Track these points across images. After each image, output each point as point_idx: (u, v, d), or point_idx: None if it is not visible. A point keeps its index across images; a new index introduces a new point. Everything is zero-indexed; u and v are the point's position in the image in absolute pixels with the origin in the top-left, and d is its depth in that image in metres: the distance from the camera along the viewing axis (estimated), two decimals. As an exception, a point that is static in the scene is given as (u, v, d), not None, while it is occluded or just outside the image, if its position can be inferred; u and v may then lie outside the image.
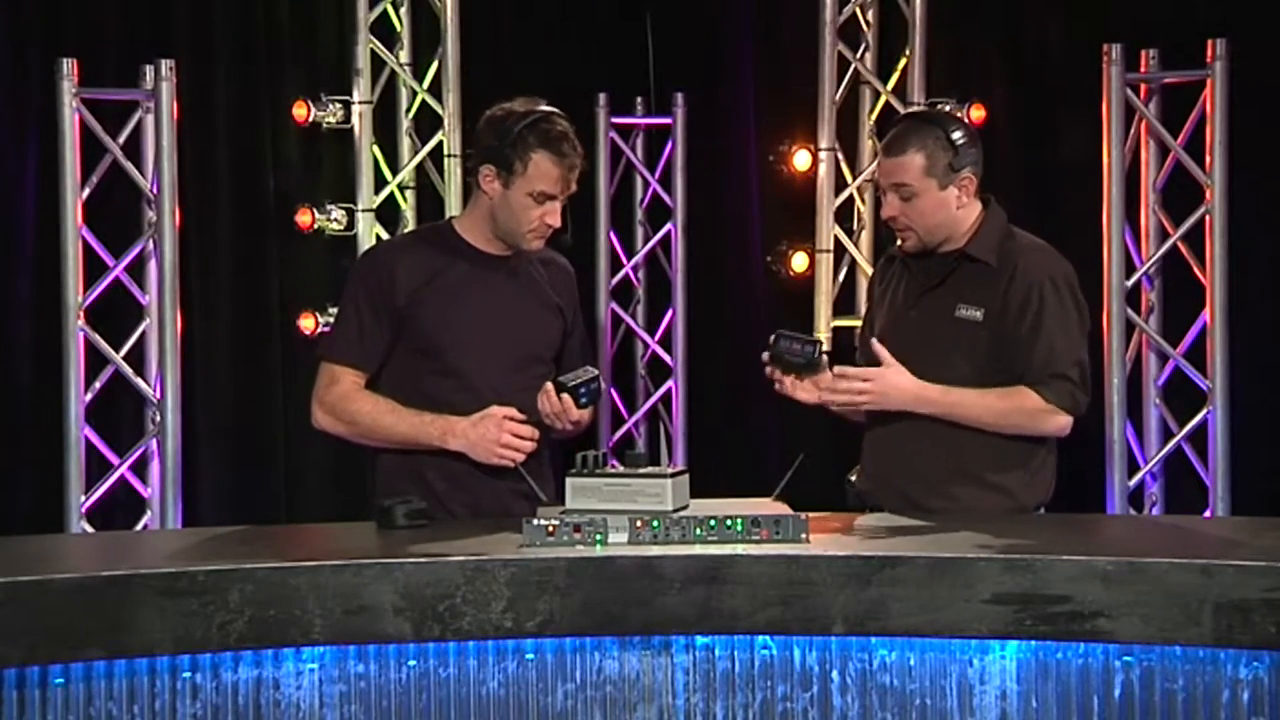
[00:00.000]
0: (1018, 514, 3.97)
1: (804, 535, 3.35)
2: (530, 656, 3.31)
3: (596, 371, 3.97)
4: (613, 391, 6.33)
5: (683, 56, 6.35)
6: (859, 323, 5.88)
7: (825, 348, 3.89)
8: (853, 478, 4.11)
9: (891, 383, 3.87)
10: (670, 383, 6.31)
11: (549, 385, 3.92)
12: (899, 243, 4.06)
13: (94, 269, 5.29)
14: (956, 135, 3.96)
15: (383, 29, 5.75)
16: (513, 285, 4.07)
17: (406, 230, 4.37)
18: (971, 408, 3.89)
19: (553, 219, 3.98)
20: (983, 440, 3.92)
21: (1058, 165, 5.87)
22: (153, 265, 5.36)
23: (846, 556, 3.24)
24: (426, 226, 4.14)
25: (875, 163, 4.01)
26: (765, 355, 3.93)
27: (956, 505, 3.92)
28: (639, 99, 6.32)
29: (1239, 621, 3.09)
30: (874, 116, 5.95)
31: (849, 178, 5.90)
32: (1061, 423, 3.92)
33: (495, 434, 3.90)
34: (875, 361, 4.01)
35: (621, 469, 3.57)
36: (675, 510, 3.46)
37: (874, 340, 3.89)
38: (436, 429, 3.95)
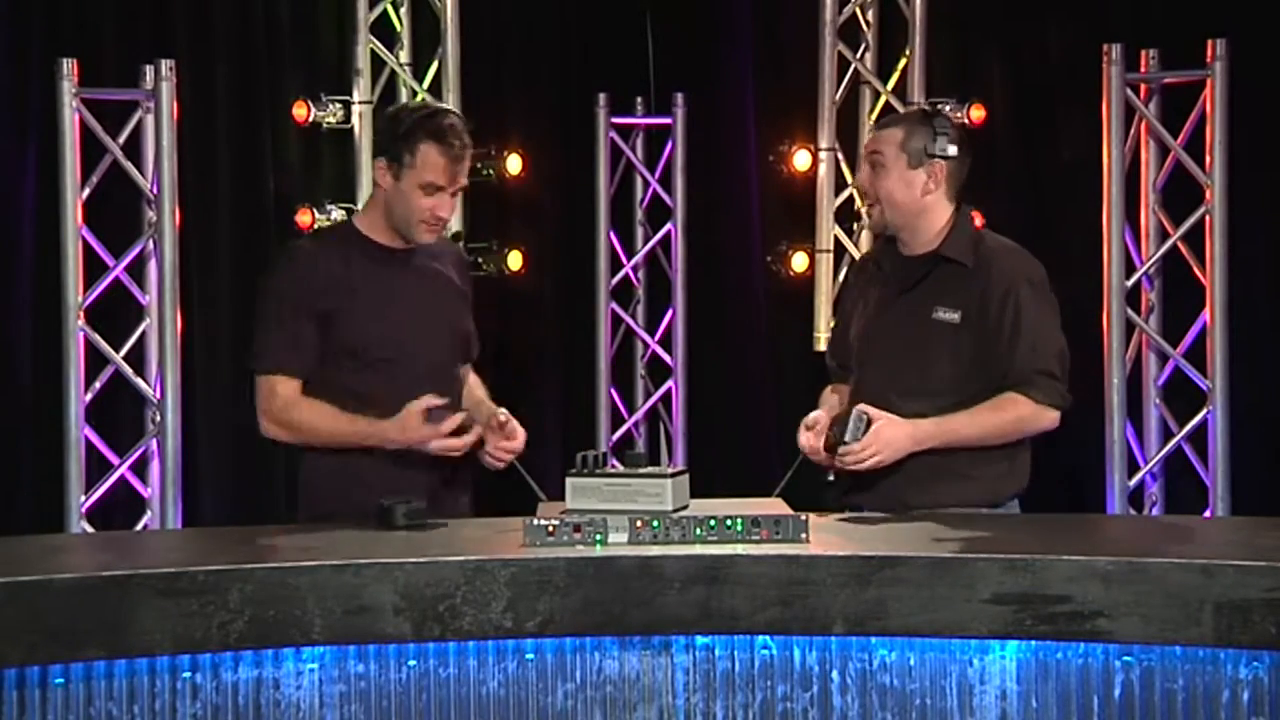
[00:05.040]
0: (995, 505, 3.97)
1: (804, 535, 3.35)
2: (530, 656, 3.31)
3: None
4: (612, 391, 6.33)
5: (683, 56, 6.35)
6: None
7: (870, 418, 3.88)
8: (831, 477, 4.12)
9: (886, 439, 3.84)
10: (670, 383, 6.32)
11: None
12: (866, 218, 4.11)
13: (94, 269, 5.30)
14: (941, 126, 3.99)
15: (383, 29, 5.75)
16: (420, 278, 4.10)
17: (305, 239, 4.41)
18: (967, 429, 3.89)
19: (443, 210, 4.00)
20: None
21: (1058, 165, 5.88)
22: (153, 265, 5.36)
23: (846, 556, 3.23)
24: (329, 227, 4.17)
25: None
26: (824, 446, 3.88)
27: (939, 500, 3.91)
28: (639, 99, 6.33)
29: (1239, 621, 3.09)
30: (874, 116, 5.96)
31: (849, 178, 5.91)
32: (1053, 418, 3.93)
33: (422, 436, 3.88)
34: (848, 362, 4.08)
35: (621, 469, 3.57)
36: (675, 510, 3.47)
37: (861, 407, 3.85)
38: (372, 437, 3.95)
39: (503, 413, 4.01)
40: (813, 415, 3.94)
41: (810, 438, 3.89)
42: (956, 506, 3.90)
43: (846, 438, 3.80)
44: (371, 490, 3.91)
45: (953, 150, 3.98)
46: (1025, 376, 3.88)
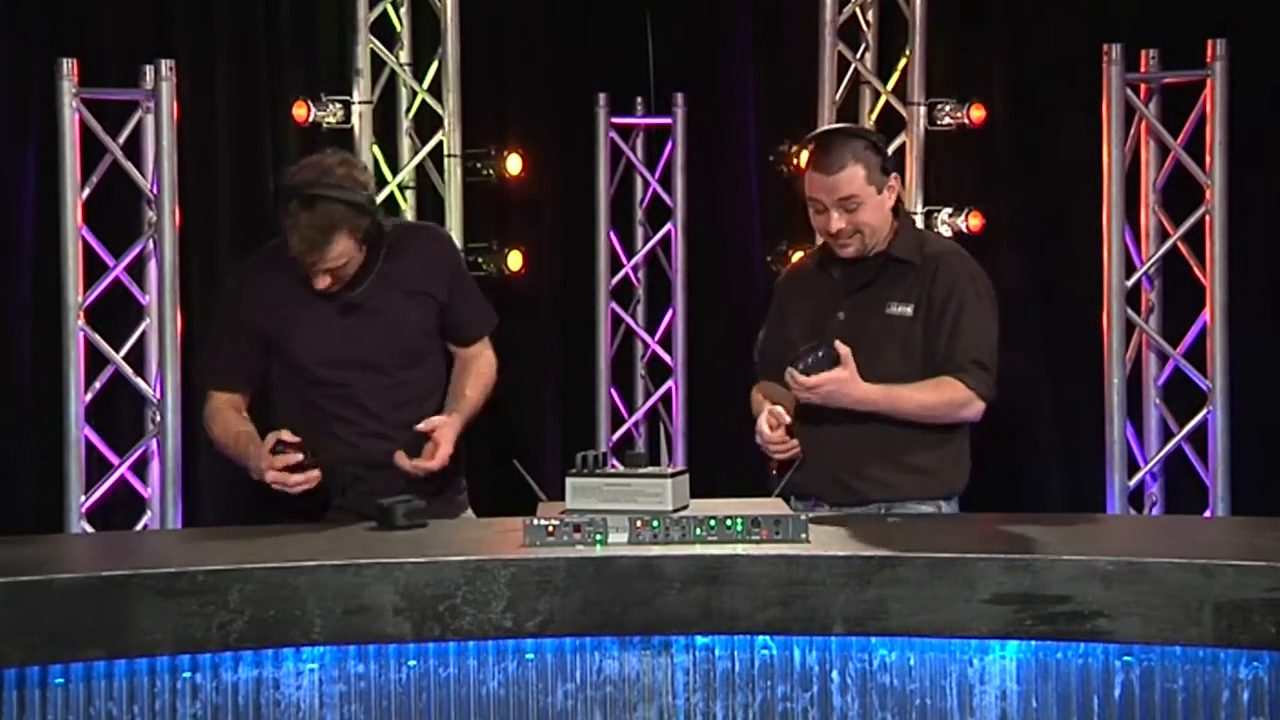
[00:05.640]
0: (948, 497, 4.12)
1: (804, 535, 3.36)
2: (530, 656, 3.31)
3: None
4: (612, 391, 6.33)
5: (683, 56, 6.35)
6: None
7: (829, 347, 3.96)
8: (775, 470, 4.17)
9: (843, 385, 3.96)
10: (670, 383, 6.32)
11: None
12: (841, 250, 4.15)
13: (94, 269, 5.29)
14: (878, 142, 4.16)
15: (383, 29, 5.75)
16: (366, 289, 4.09)
17: (262, 249, 4.45)
18: (907, 402, 4.04)
19: (319, 282, 4.00)
20: (905, 426, 4.06)
21: (1058, 165, 5.87)
22: (153, 265, 5.35)
23: (846, 556, 3.24)
24: (276, 243, 4.22)
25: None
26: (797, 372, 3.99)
27: (896, 493, 4.07)
28: (639, 99, 6.33)
29: (1239, 621, 3.09)
30: (874, 116, 5.96)
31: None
32: (979, 409, 4.09)
33: (260, 472, 3.95)
34: (786, 360, 4.13)
35: (621, 469, 3.57)
36: (675, 510, 3.47)
37: (838, 342, 3.97)
38: (243, 461, 4.04)
39: (428, 423, 4.03)
40: (779, 409, 4.06)
41: (771, 430, 4.04)
42: (913, 498, 4.07)
43: (800, 365, 3.94)
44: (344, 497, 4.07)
45: (892, 159, 4.18)
46: (962, 364, 4.06)
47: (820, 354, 3.94)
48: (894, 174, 4.13)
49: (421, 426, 4.01)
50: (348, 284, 4.06)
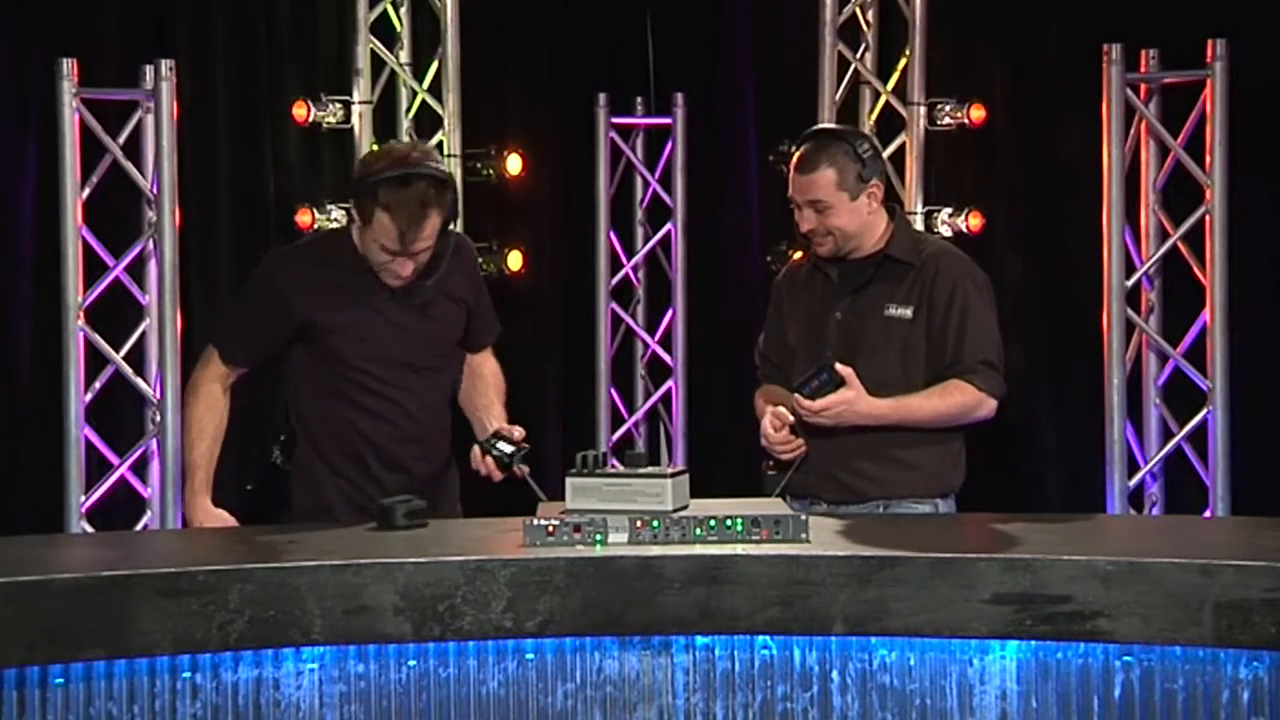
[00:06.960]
0: (945, 495, 4.14)
1: (804, 535, 3.36)
2: (530, 656, 3.31)
3: (521, 447, 4.04)
4: (612, 391, 6.33)
5: (683, 56, 6.35)
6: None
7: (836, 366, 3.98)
8: (772, 472, 4.18)
9: (852, 405, 3.99)
10: (670, 383, 6.32)
11: (475, 447, 4.06)
12: (816, 249, 4.19)
13: (94, 269, 5.29)
14: (863, 149, 4.14)
15: (383, 29, 5.75)
16: (406, 295, 4.11)
17: (298, 244, 4.45)
18: (919, 412, 4.06)
19: (403, 269, 4.03)
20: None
21: (1058, 165, 5.87)
22: (153, 265, 5.35)
23: (846, 557, 3.24)
24: (323, 236, 4.21)
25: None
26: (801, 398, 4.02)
27: (894, 492, 4.09)
28: (639, 99, 6.33)
29: (1239, 621, 3.10)
30: (874, 116, 5.96)
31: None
32: (992, 407, 4.11)
33: (193, 511, 4.18)
34: (785, 364, 4.20)
35: (621, 469, 3.57)
36: (675, 510, 3.47)
37: (838, 364, 3.98)
38: (188, 495, 4.22)
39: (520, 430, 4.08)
40: (781, 409, 4.08)
41: (775, 431, 4.08)
42: (909, 496, 4.10)
43: (805, 390, 3.97)
44: (357, 488, 4.12)
45: (879, 164, 4.18)
46: (970, 365, 4.08)
47: (824, 377, 3.95)
48: (875, 179, 4.12)
49: (518, 436, 4.06)
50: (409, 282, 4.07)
